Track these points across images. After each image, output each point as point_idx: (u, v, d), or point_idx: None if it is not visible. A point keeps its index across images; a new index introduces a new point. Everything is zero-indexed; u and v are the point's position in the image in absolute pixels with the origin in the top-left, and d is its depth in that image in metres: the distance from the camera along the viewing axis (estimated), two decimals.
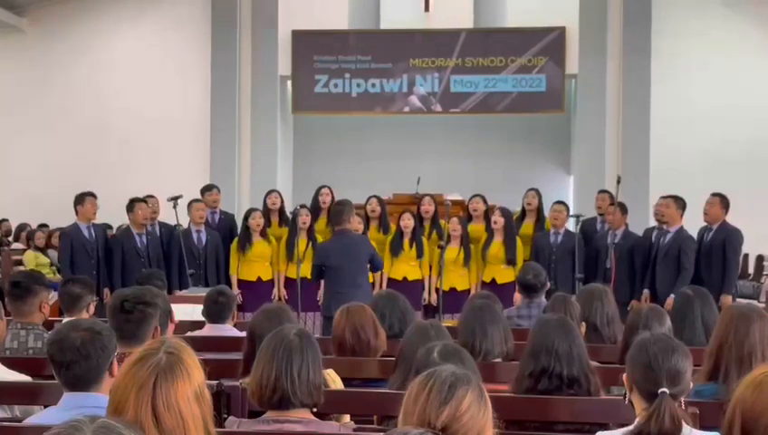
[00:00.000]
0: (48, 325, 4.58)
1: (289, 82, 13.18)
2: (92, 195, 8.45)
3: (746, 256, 9.86)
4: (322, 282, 8.43)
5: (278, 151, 13.03)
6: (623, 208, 8.61)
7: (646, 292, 8.11)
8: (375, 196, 8.89)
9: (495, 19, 12.91)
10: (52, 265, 11.08)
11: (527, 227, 8.77)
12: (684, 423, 2.72)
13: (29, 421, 3.02)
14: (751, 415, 2.11)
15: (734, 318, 3.50)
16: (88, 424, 1.67)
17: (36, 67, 13.37)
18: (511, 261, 8.26)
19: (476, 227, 8.68)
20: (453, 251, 8.31)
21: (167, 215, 9.00)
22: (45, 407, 3.28)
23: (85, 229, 8.34)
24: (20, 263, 11.09)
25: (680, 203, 8.18)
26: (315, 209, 8.91)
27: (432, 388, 2.17)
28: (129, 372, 2.27)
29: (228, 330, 5.15)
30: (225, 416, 3.24)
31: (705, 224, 8.18)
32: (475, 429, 2.15)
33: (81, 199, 8.39)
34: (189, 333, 5.01)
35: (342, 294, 6.67)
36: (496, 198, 9.30)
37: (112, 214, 9.88)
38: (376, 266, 7.75)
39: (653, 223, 8.87)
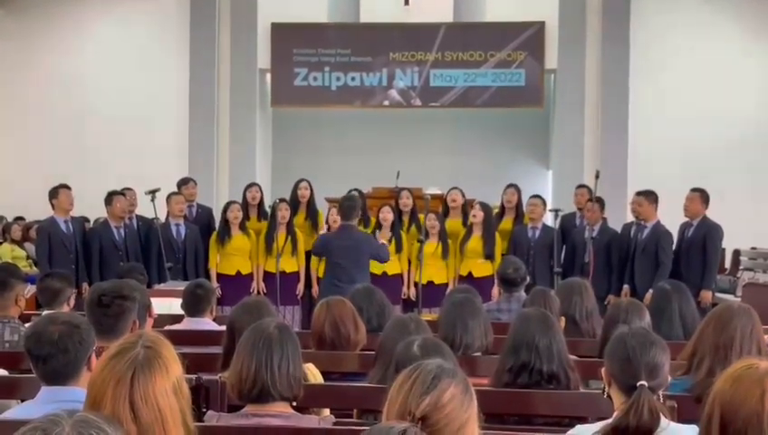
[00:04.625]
0: (24, 319, 4.55)
1: (268, 75, 13.12)
2: (66, 186, 8.34)
3: (723, 250, 9.91)
4: (302, 274, 8.49)
5: (257, 144, 12.97)
6: (601, 203, 8.63)
7: (626, 287, 8.14)
8: (355, 189, 8.87)
9: (475, 13, 12.90)
10: (28, 257, 10.98)
11: (507, 222, 8.77)
12: (662, 416, 2.74)
13: (5, 416, 2.98)
14: (729, 408, 2.13)
15: (718, 311, 3.53)
16: (66, 418, 1.66)
17: (13, 57, 13.21)
18: (489, 256, 8.28)
19: (454, 223, 8.69)
20: (431, 245, 8.32)
21: (144, 208, 8.95)
22: (22, 401, 3.25)
23: (62, 223, 8.26)
24: None
25: (652, 198, 8.20)
26: (294, 203, 8.88)
27: (417, 378, 2.20)
28: (107, 366, 2.26)
29: (207, 324, 5.13)
30: (205, 410, 3.22)
31: (687, 219, 8.22)
32: (456, 422, 2.16)
33: (54, 193, 8.27)
34: (167, 327, 4.98)
35: (339, 287, 6.70)
36: (475, 192, 9.29)
37: (90, 207, 9.81)
38: (381, 260, 7.84)
39: (631, 218, 8.90)
